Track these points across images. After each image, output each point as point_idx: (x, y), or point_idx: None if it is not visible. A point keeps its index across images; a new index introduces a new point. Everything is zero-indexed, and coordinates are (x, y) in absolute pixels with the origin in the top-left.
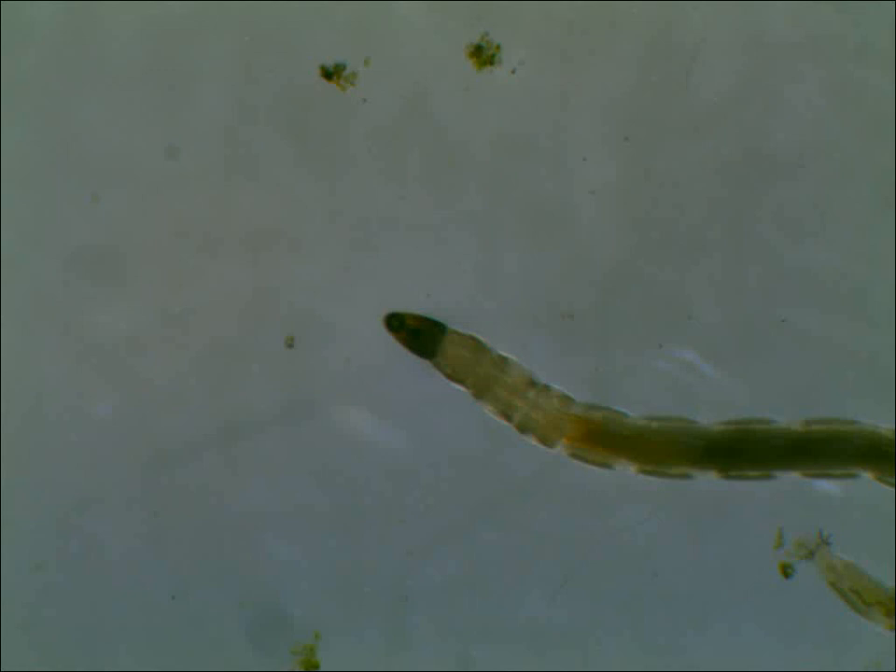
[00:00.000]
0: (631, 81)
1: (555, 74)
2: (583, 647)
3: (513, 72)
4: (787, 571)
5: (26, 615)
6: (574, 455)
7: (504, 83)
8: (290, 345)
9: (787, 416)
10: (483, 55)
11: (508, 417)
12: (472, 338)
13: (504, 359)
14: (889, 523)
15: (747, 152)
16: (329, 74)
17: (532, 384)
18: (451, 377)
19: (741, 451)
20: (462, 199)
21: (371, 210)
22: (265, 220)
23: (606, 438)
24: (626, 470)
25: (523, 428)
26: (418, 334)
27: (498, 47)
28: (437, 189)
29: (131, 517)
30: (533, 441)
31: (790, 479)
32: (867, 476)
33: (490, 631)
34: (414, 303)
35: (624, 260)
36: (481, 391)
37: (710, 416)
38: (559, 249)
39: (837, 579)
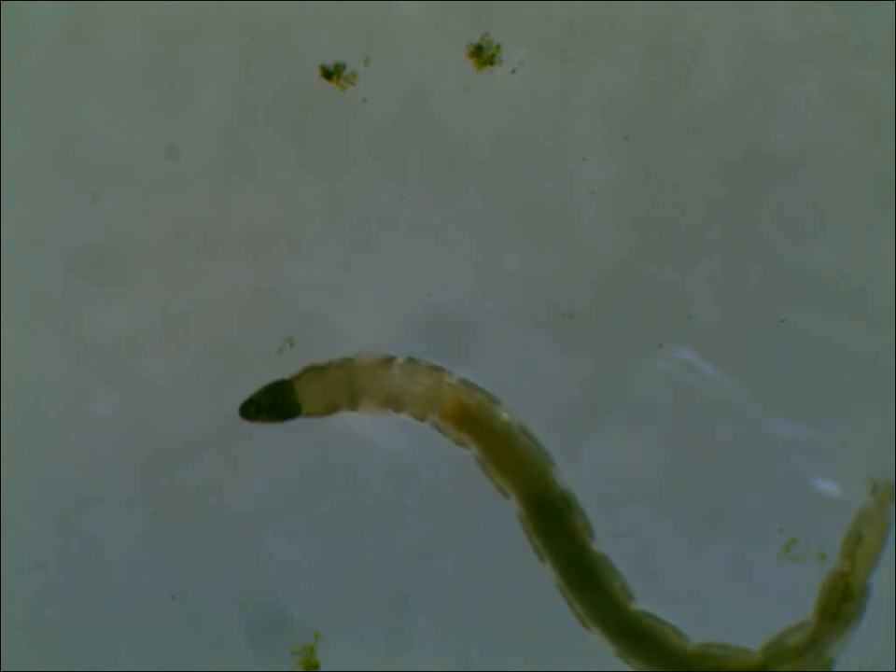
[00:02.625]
0: (631, 81)
1: (555, 74)
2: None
3: (513, 72)
4: None
5: (26, 615)
6: (437, 428)
7: (504, 83)
8: (290, 345)
9: (787, 416)
10: (483, 55)
11: (388, 404)
12: (310, 368)
13: (349, 359)
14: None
15: (747, 152)
16: (329, 74)
17: (389, 360)
18: (329, 413)
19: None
20: (462, 199)
21: (371, 210)
22: (265, 220)
23: (477, 425)
24: (474, 455)
25: (399, 409)
26: (275, 408)
27: (498, 47)
28: (437, 189)
29: (131, 517)
30: (407, 415)
31: (789, 478)
32: None
33: (490, 631)
34: (414, 303)
35: (624, 260)
36: (353, 401)
37: (710, 417)
38: (559, 249)
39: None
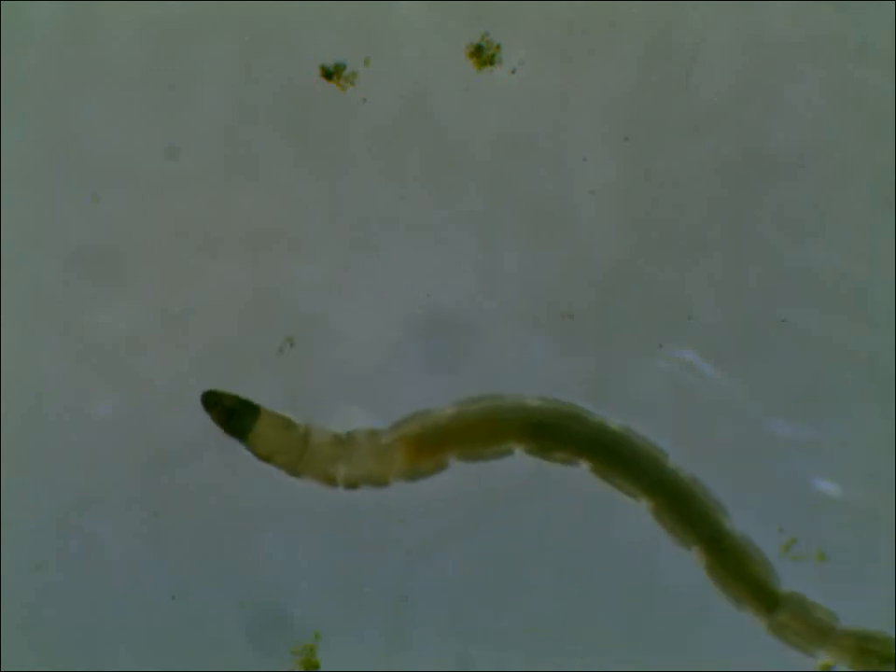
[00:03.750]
0: (631, 81)
1: (555, 74)
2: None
3: (513, 72)
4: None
5: (26, 615)
6: (410, 478)
7: (504, 83)
8: (290, 345)
9: (787, 416)
10: (483, 55)
11: (331, 484)
12: (284, 418)
13: (308, 433)
14: (889, 523)
15: (747, 152)
16: (329, 74)
17: (339, 441)
18: (263, 458)
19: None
20: (462, 199)
21: (371, 210)
22: (265, 220)
23: (430, 443)
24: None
25: (352, 486)
26: (232, 415)
27: (499, 47)
28: (437, 189)
29: (131, 517)
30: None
31: (789, 478)
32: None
33: (490, 631)
34: (414, 303)
35: (624, 260)
36: (295, 472)
37: (710, 417)
38: (559, 249)
39: None
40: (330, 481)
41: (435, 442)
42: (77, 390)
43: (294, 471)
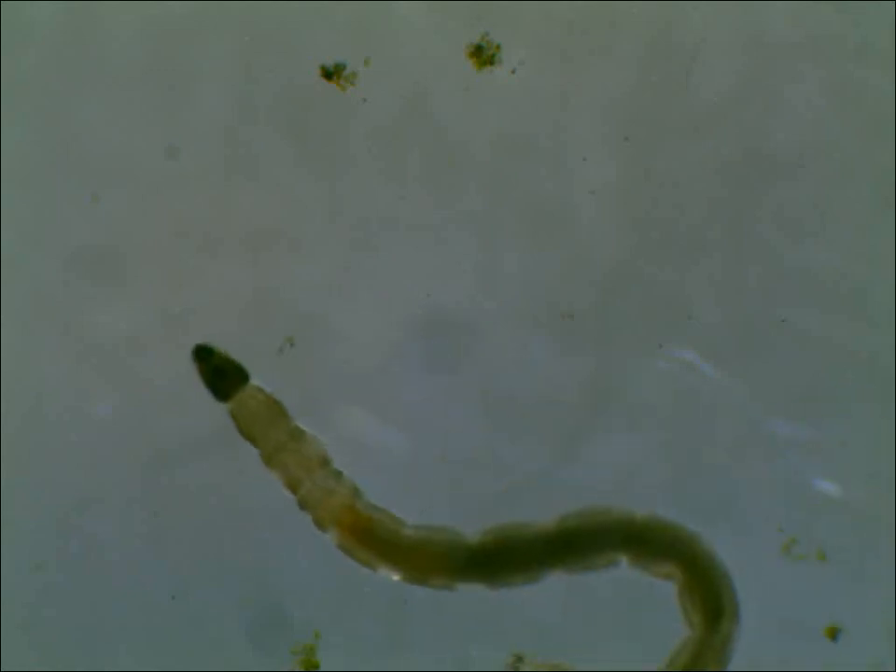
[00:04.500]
0: (631, 81)
1: (555, 74)
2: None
3: (513, 72)
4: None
5: (26, 615)
6: (342, 548)
7: (504, 83)
8: (290, 345)
9: (787, 416)
10: (483, 55)
11: (293, 490)
12: (275, 401)
13: (301, 432)
14: (889, 523)
15: (747, 152)
16: (329, 74)
17: (325, 463)
18: (243, 433)
19: (502, 559)
20: (462, 199)
21: (371, 210)
22: (265, 220)
23: (372, 538)
24: (391, 577)
25: (303, 505)
26: (222, 374)
27: (499, 47)
28: (437, 189)
29: (131, 517)
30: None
31: (789, 478)
32: (624, 561)
33: (490, 631)
34: (414, 303)
35: (624, 260)
36: (270, 457)
37: (710, 417)
38: (559, 249)
39: None
40: (293, 487)
41: (370, 539)
42: (77, 390)
43: (268, 461)
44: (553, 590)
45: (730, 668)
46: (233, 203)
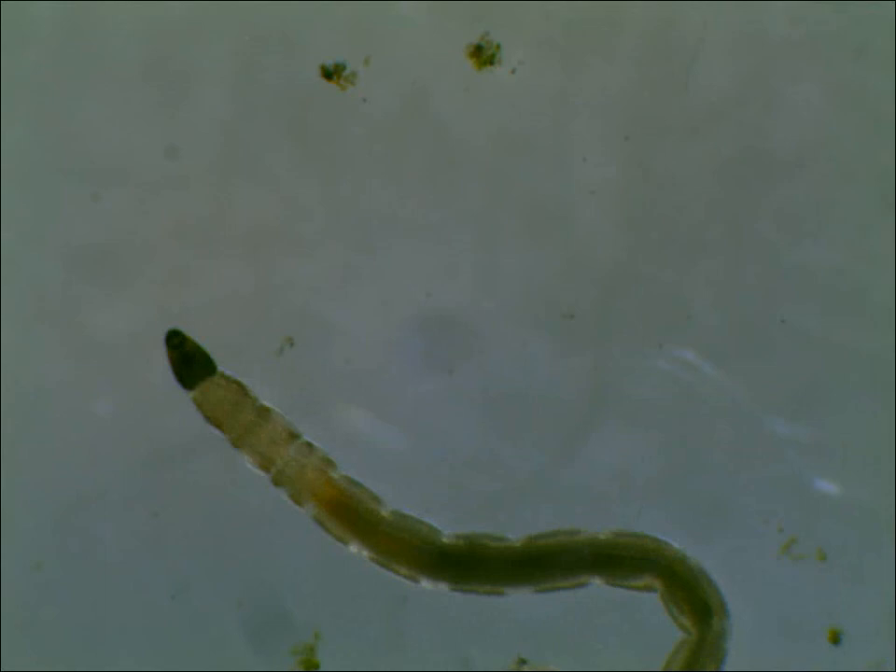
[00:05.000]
0: (631, 81)
1: (555, 74)
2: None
3: (513, 72)
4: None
5: (26, 615)
6: (318, 520)
7: (504, 83)
8: (290, 345)
9: (787, 416)
10: (483, 55)
11: (266, 469)
12: (238, 384)
13: (266, 409)
14: (889, 523)
15: (746, 152)
16: (329, 73)
17: (294, 437)
18: (210, 420)
19: (471, 566)
20: (462, 199)
21: (371, 210)
22: (265, 220)
23: (350, 514)
24: (360, 554)
25: (278, 482)
26: (190, 361)
27: (498, 46)
28: (437, 189)
29: (130, 517)
30: (286, 497)
31: (789, 478)
32: (596, 582)
33: (490, 631)
34: (414, 303)
35: (624, 260)
36: (239, 440)
37: (710, 417)
38: (559, 249)
39: None
40: (265, 465)
41: (348, 515)
42: (77, 390)
43: (237, 443)
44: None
45: (730, 669)
46: (233, 203)
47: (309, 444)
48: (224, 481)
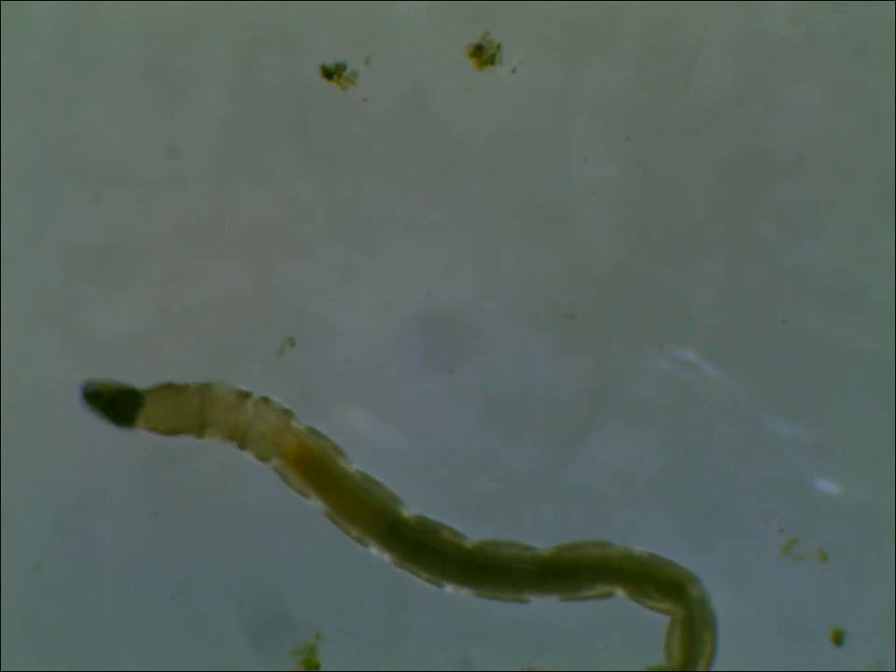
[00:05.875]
0: (631, 81)
1: (556, 74)
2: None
3: (514, 72)
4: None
5: (26, 615)
6: (280, 474)
7: (505, 83)
8: (291, 345)
9: (787, 416)
10: (483, 55)
11: (233, 438)
12: (168, 386)
13: (206, 385)
14: (889, 523)
15: (746, 152)
16: (329, 73)
17: (245, 396)
18: (167, 433)
19: (421, 546)
20: (462, 199)
21: (371, 210)
22: (265, 220)
23: (315, 470)
24: (316, 506)
25: (243, 445)
26: (115, 403)
27: (499, 46)
28: (437, 189)
29: (130, 517)
30: (251, 456)
31: (789, 478)
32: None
33: (490, 631)
34: (414, 303)
35: (624, 260)
36: (200, 429)
37: (710, 417)
38: (559, 249)
39: None
40: (231, 434)
41: (311, 469)
42: (78, 390)
43: (200, 433)
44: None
45: (730, 669)
46: (233, 203)
47: (265, 399)
48: (224, 480)
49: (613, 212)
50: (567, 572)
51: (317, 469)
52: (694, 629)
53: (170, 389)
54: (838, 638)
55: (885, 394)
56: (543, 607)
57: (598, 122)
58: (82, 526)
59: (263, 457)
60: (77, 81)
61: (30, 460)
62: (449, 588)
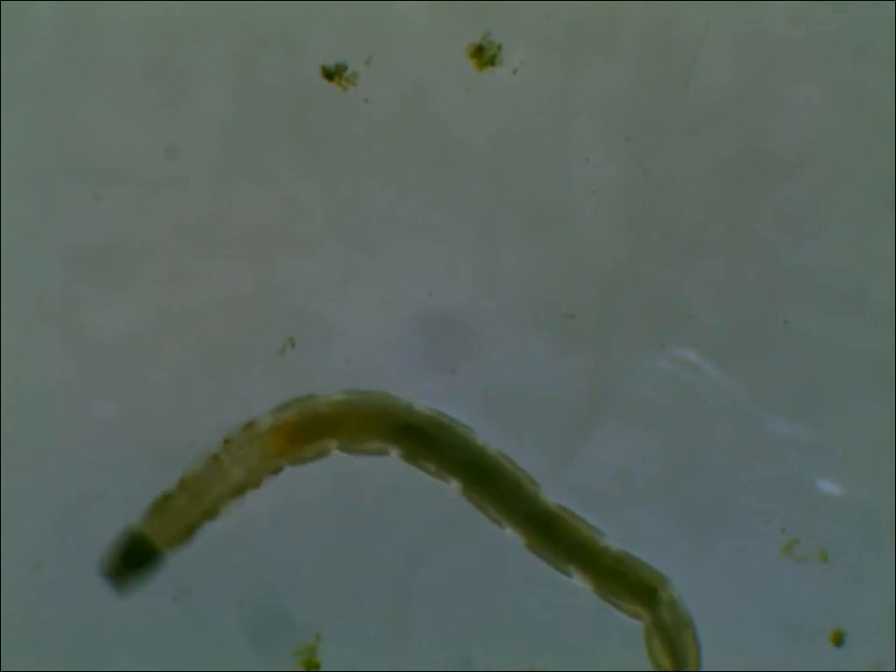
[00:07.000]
0: (631, 81)
1: (556, 74)
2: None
3: (514, 72)
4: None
5: (26, 615)
6: (294, 463)
7: (505, 83)
8: (291, 345)
9: (787, 416)
10: (484, 55)
11: (242, 489)
12: (154, 505)
13: (181, 480)
14: (889, 523)
15: (746, 152)
16: (330, 74)
17: (213, 456)
18: (186, 535)
19: (432, 438)
20: (463, 199)
21: (371, 210)
22: (265, 220)
23: (310, 431)
24: (328, 448)
25: (253, 483)
26: (134, 558)
27: (500, 47)
28: (438, 189)
29: (130, 517)
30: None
31: (789, 478)
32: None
33: (490, 631)
34: (414, 303)
35: (625, 260)
36: (212, 512)
37: (710, 417)
38: (560, 249)
39: None
40: (238, 489)
41: (313, 430)
42: (77, 390)
43: (211, 515)
44: (555, 589)
45: (731, 669)
46: (233, 203)
47: (226, 440)
48: None
49: (613, 212)
50: (555, 534)
51: (305, 430)
52: (671, 634)
53: (157, 507)
54: (838, 640)
55: (885, 394)
56: (544, 607)
57: (598, 122)
58: (82, 526)
59: (273, 470)
60: (77, 81)
61: (30, 460)
62: (453, 485)
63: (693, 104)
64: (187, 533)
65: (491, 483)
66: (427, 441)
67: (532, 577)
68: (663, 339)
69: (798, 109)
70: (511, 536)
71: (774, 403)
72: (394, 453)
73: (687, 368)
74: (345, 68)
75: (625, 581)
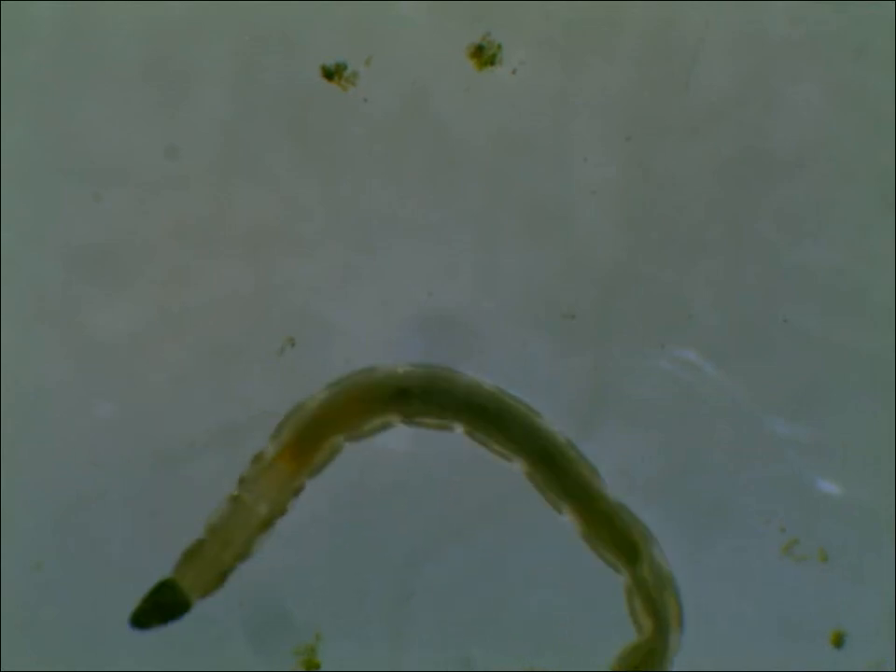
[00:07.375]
0: (631, 81)
1: (556, 74)
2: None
3: (514, 72)
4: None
5: (26, 615)
6: (310, 475)
7: (505, 83)
8: (291, 345)
9: (787, 416)
10: (484, 55)
11: (268, 522)
12: (186, 553)
13: (209, 526)
14: (889, 523)
15: (746, 152)
16: (330, 74)
17: (233, 497)
18: (223, 577)
19: (431, 393)
20: (463, 199)
21: (371, 210)
22: (265, 220)
23: (312, 439)
24: (337, 445)
25: (280, 511)
26: (167, 610)
27: (500, 47)
28: (438, 188)
29: (131, 517)
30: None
31: (789, 478)
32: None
33: (491, 631)
34: (414, 303)
35: (625, 260)
36: (244, 554)
37: (710, 417)
38: (559, 249)
39: None
40: (265, 523)
41: (314, 437)
42: (77, 390)
43: (244, 556)
44: (555, 590)
45: (731, 669)
46: (233, 203)
47: (241, 479)
48: (224, 481)
49: (613, 212)
50: (557, 467)
51: (309, 438)
52: (652, 593)
53: (189, 554)
54: (839, 641)
55: (885, 394)
56: (544, 607)
57: (598, 122)
58: (82, 526)
59: (294, 492)
60: (77, 81)
61: (30, 460)
62: (458, 430)
63: (693, 104)
64: (220, 579)
65: (493, 421)
66: (420, 397)
67: (532, 577)
68: (663, 339)
69: (798, 109)
70: (515, 468)
71: (774, 403)
72: (394, 420)
73: (687, 368)
74: (345, 68)
75: (612, 529)
